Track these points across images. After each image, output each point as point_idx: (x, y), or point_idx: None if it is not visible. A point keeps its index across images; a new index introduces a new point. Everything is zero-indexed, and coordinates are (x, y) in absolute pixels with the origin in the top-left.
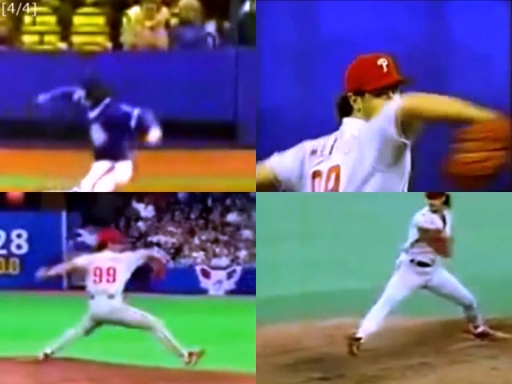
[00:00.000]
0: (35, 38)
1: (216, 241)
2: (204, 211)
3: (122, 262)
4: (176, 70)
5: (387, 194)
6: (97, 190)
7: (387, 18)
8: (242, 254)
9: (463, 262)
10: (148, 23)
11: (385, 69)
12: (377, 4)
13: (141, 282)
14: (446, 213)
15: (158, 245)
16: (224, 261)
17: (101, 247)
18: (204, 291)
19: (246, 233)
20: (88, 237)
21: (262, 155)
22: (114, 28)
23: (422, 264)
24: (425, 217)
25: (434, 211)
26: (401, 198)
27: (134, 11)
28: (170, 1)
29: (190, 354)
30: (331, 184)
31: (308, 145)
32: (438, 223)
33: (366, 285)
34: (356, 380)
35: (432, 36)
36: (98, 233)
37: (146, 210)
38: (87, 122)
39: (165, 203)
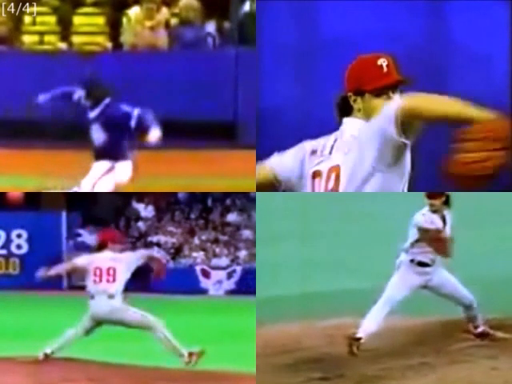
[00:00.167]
0: (35, 38)
1: (216, 241)
2: (204, 211)
3: (122, 262)
4: (176, 70)
5: (387, 194)
6: (97, 189)
7: (387, 18)
8: (242, 254)
9: (463, 262)
10: (148, 23)
11: (385, 69)
12: (377, 4)
13: (141, 281)
14: (446, 213)
15: (158, 245)
16: (224, 261)
17: (101, 247)
18: (204, 291)
19: (246, 233)
20: (88, 237)
21: (262, 155)
22: (114, 28)
23: (422, 264)
24: (425, 217)
25: (434, 211)
26: (401, 197)
27: (134, 11)
28: (170, 1)
29: (190, 354)
30: (331, 184)
31: (308, 145)
32: (438, 223)
33: (366, 285)
34: (356, 380)
35: (432, 36)
36: (98, 233)
37: (145, 210)
38: (87, 122)
39: (165, 203)
